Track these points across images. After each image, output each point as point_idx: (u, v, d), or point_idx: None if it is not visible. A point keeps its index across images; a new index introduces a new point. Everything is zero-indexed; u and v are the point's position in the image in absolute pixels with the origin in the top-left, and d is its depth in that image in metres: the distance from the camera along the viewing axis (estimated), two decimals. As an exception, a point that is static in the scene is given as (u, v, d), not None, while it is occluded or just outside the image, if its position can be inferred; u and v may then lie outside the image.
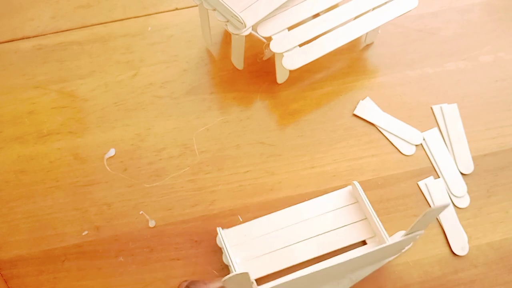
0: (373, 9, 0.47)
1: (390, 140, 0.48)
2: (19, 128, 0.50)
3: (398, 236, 0.37)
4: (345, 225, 0.43)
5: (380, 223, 0.41)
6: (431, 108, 0.50)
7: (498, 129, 0.49)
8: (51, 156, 0.48)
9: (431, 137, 0.49)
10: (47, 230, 0.45)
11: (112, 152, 0.48)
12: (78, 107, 0.50)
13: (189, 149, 0.48)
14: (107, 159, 0.48)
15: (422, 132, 0.49)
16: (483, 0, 0.55)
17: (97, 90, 0.51)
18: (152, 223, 0.45)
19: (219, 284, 0.29)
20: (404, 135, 0.48)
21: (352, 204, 0.44)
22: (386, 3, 0.47)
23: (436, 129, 0.49)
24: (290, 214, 0.44)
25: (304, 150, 0.48)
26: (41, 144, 0.49)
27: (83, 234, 0.45)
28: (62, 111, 0.50)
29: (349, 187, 0.45)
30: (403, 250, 0.42)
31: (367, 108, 0.50)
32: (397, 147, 0.48)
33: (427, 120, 0.49)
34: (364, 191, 0.46)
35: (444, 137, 0.49)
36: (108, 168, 0.47)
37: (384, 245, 0.31)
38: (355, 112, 0.50)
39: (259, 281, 0.41)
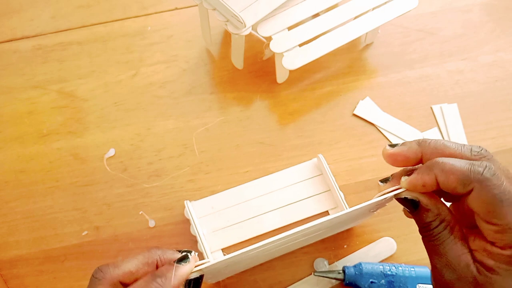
0: (373, 9, 0.47)
1: (390, 140, 0.48)
2: (19, 128, 0.50)
3: None
4: (309, 196, 0.44)
5: (341, 194, 0.42)
6: (431, 108, 0.50)
7: (498, 129, 0.49)
8: (51, 156, 0.48)
9: (431, 137, 0.48)
10: (47, 230, 0.45)
11: (111, 152, 0.48)
12: (78, 107, 0.50)
13: (189, 149, 0.48)
14: (107, 159, 0.48)
15: (422, 132, 0.49)
16: (483, 0, 0.55)
17: (97, 90, 0.51)
18: (152, 223, 0.45)
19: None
20: (404, 135, 0.48)
21: (317, 176, 0.45)
22: (386, 3, 0.47)
23: (436, 129, 0.49)
24: (257, 185, 0.45)
25: (304, 150, 0.48)
26: (41, 144, 0.49)
27: (83, 234, 0.45)
28: (61, 111, 0.50)
29: (315, 160, 0.46)
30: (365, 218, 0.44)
31: (367, 108, 0.50)
32: (397, 147, 0.48)
33: (427, 120, 0.49)
34: (364, 191, 0.46)
35: (444, 137, 0.49)
36: (108, 168, 0.47)
37: (334, 216, 0.32)
38: (355, 112, 0.50)
39: (226, 250, 0.42)
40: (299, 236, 0.35)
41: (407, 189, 0.30)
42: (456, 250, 0.28)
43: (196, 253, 0.31)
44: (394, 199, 0.32)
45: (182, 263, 0.29)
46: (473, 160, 0.28)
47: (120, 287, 0.29)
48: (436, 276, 0.29)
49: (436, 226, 0.29)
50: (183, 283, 0.29)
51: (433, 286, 0.31)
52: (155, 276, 0.28)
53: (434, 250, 0.29)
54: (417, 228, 0.31)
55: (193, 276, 0.29)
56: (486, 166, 0.27)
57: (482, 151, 0.29)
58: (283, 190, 0.44)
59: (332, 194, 0.44)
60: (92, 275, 0.29)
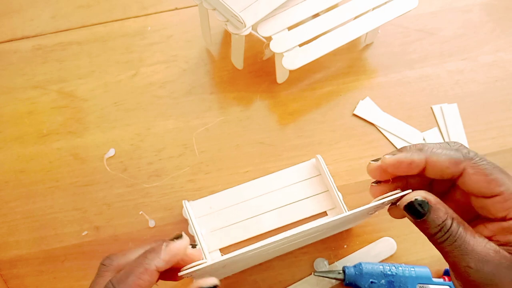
0: (373, 9, 0.47)
1: (390, 140, 0.48)
2: (19, 128, 0.50)
3: None
4: (308, 197, 0.44)
5: (339, 195, 0.42)
6: (431, 108, 0.50)
7: (498, 129, 0.49)
8: (51, 156, 0.48)
9: (431, 137, 0.49)
10: (47, 230, 0.45)
11: (111, 152, 0.48)
12: (77, 107, 0.50)
13: (189, 149, 0.48)
14: (107, 159, 0.48)
15: (422, 132, 0.49)
16: (483, 0, 0.55)
17: (96, 90, 0.51)
18: (152, 223, 0.45)
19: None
20: (404, 135, 0.48)
21: (315, 176, 0.45)
22: (386, 3, 0.47)
23: (436, 129, 0.49)
24: (255, 186, 0.45)
25: (304, 150, 0.48)
26: (41, 144, 0.49)
27: (83, 234, 0.45)
28: (61, 111, 0.50)
29: (313, 160, 0.45)
30: (365, 219, 0.44)
31: (367, 108, 0.50)
32: (397, 147, 0.48)
33: (427, 120, 0.49)
34: (364, 191, 0.46)
35: (444, 137, 0.49)
36: (108, 168, 0.47)
37: (333, 218, 0.32)
38: (355, 112, 0.50)
39: (224, 250, 0.42)
40: (297, 238, 0.35)
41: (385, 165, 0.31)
42: (479, 242, 0.28)
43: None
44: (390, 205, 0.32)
45: (174, 240, 0.30)
46: None
47: None
48: (471, 276, 0.28)
49: (451, 225, 0.28)
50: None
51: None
52: (146, 252, 0.29)
53: (461, 251, 0.28)
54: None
55: (206, 285, 0.29)
56: (467, 149, 0.29)
57: (456, 143, 0.31)
58: (282, 191, 0.44)
59: (330, 194, 0.44)
60: (101, 263, 0.30)
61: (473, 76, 0.52)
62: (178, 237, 0.30)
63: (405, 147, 0.32)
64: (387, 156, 0.31)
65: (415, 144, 0.31)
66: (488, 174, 0.28)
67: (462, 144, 0.31)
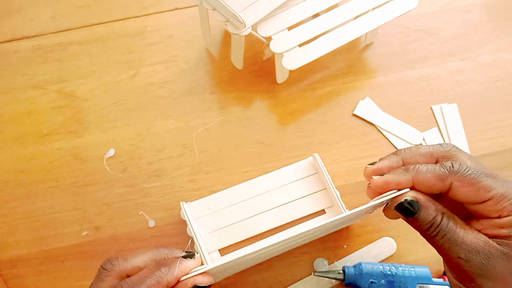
0: (373, 9, 0.47)
1: (390, 140, 0.49)
2: (19, 128, 0.50)
3: None
4: (306, 195, 0.44)
5: (337, 193, 0.42)
6: (431, 108, 0.50)
7: (498, 129, 0.49)
8: (51, 156, 0.48)
9: (431, 137, 0.49)
10: (47, 230, 0.45)
11: (111, 152, 0.48)
12: (78, 107, 0.50)
13: (189, 149, 0.48)
14: (107, 159, 0.48)
15: (422, 132, 0.49)
16: (483, 0, 0.55)
17: (97, 90, 0.51)
18: (152, 223, 0.45)
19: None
20: (404, 135, 0.48)
21: (312, 174, 0.45)
22: (386, 3, 0.47)
23: (435, 129, 0.49)
24: (253, 185, 0.45)
25: (304, 150, 0.48)
26: (41, 144, 0.49)
27: (83, 234, 0.45)
28: (62, 111, 0.50)
29: (310, 158, 0.45)
30: (363, 217, 0.44)
31: (367, 108, 0.50)
32: (397, 147, 0.48)
33: (427, 120, 0.49)
34: (363, 191, 0.46)
35: (444, 137, 0.49)
36: (107, 168, 0.47)
37: (335, 218, 0.33)
38: (355, 112, 0.50)
39: (223, 250, 0.42)
40: (296, 239, 0.35)
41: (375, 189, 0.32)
42: (469, 234, 0.29)
43: (199, 254, 0.32)
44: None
45: (188, 259, 0.31)
46: (446, 154, 0.31)
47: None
48: (462, 267, 0.29)
49: (441, 220, 0.29)
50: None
51: (455, 281, 0.30)
52: (160, 265, 0.30)
53: (451, 243, 0.29)
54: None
55: (202, 284, 0.30)
56: (450, 163, 0.30)
57: (448, 144, 0.32)
58: (279, 190, 0.44)
59: (328, 192, 0.44)
60: (101, 266, 0.31)
61: (473, 76, 0.52)
62: (192, 256, 0.31)
63: (399, 150, 0.33)
64: (374, 178, 0.32)
65: (402, 151, 0.33)
66: (475, 183, 0.29)
67: (454, 145, 0.32)
